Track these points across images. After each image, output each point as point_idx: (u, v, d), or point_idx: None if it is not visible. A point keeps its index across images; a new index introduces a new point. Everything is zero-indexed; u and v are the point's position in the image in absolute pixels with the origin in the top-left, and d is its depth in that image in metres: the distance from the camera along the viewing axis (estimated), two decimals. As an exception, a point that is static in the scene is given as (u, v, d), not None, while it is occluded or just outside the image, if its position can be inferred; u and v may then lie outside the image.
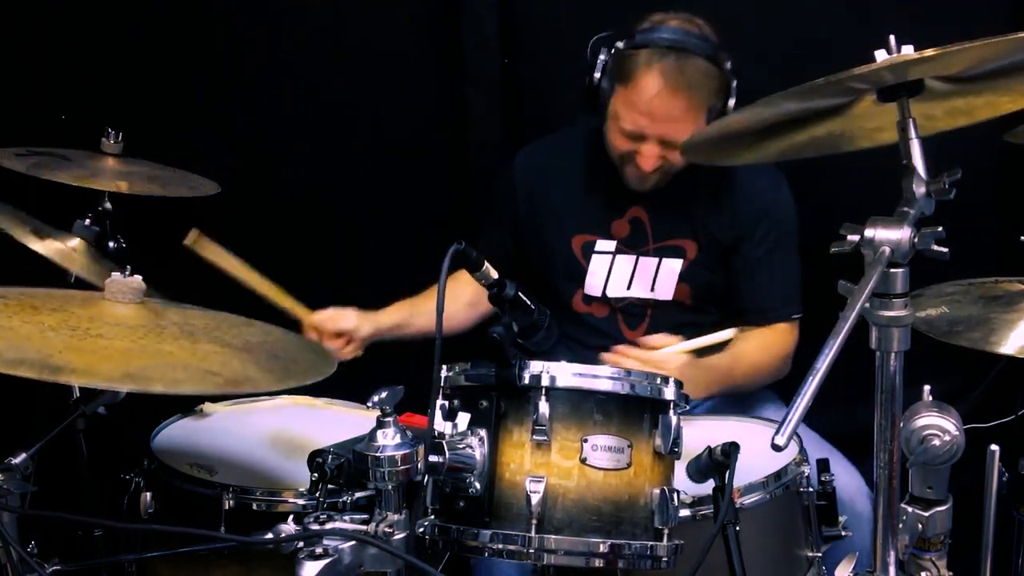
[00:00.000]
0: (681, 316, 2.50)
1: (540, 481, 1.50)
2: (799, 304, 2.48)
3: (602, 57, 2.32)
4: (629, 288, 2.50)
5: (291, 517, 1.47)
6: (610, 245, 2.50)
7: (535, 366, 1.53)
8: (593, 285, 2.51)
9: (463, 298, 2.54)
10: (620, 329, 2.51)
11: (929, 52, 1.39)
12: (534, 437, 1.52)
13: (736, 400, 2.46)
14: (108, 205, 2.36)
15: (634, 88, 2.27)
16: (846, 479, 2.17)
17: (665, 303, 2.49)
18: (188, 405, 2.22)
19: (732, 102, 2.27)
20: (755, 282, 2.48)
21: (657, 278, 2.48)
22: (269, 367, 1.62)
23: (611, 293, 2.50)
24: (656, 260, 2.48)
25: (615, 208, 2.50)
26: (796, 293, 2.49)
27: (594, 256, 2.51)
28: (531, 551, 1.50)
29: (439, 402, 1.56)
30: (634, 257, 2.49)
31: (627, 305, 2.51)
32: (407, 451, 1.47)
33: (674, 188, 2.43)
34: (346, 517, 1.49)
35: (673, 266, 2.47)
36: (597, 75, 2.32)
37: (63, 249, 2.23)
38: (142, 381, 1.45)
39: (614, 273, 2.50)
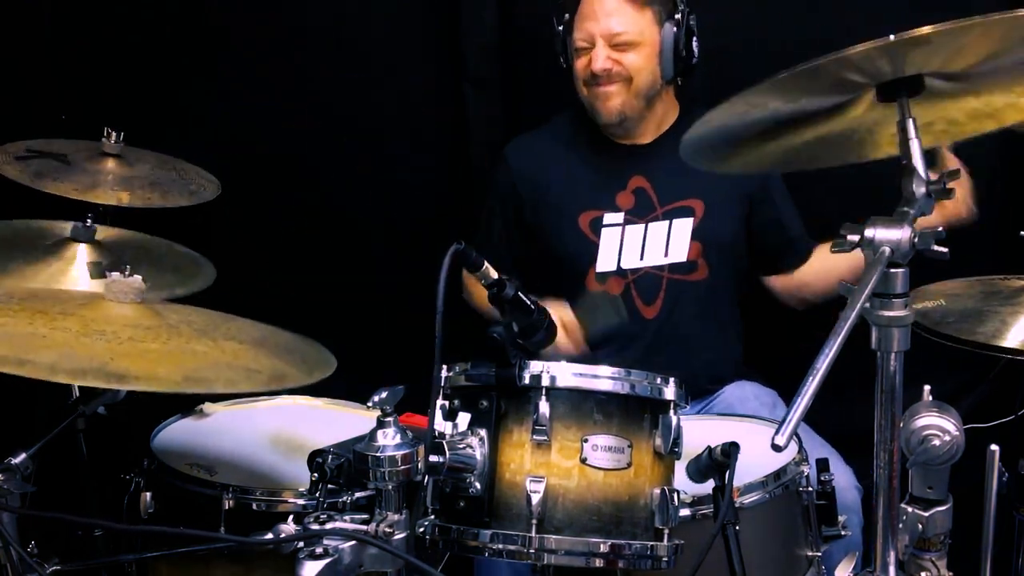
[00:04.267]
0: (696, 289, 2.52)
1: (540, 481, 1.50)
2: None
3: (566, 16, 2.50)
4: (643, 258, 2.52)
5: (291, 517, 1.47)
6: (618, 217, 2.52)
7: (535, 366, 1.54)
8: (606, 260, 2.52)
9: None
10: (636, 305, 2.52)
11: (927, 29, 1.35)
12: (534, 437, 1.52)
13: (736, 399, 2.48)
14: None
15: (580, 6, 2.46)
16: (836, 473, 2.18)
17: (680, 267, 2.51)
18: (188, 405, 2.22)
19: (681, 12, 2.44)
20: (784, 232, 2.59)
21: (670, 240, 2.51)
22: (292, 361, 1.63)
23: (625, 264, 2.52)
24: (666, 223, 2.51)
25: (616, 181, 2.54)
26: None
27: (604, 230, 2.53)
28: (531, 551, 1.50)
29: (439, 402, 1.56)
30: (643, 226, 2.52)
31: (642, 277, 2.52)
32: (407, 451, 1.47)
33: (671, 155, 2.45)
34: (346, 517, 1.49)
35: (684, 226, 2.51)
36: (560, 29, 2.50)
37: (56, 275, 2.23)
38: (203, 383, 1.49)
39: (626, 244, 2.52)
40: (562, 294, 2.52)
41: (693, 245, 2.51)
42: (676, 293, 2.52)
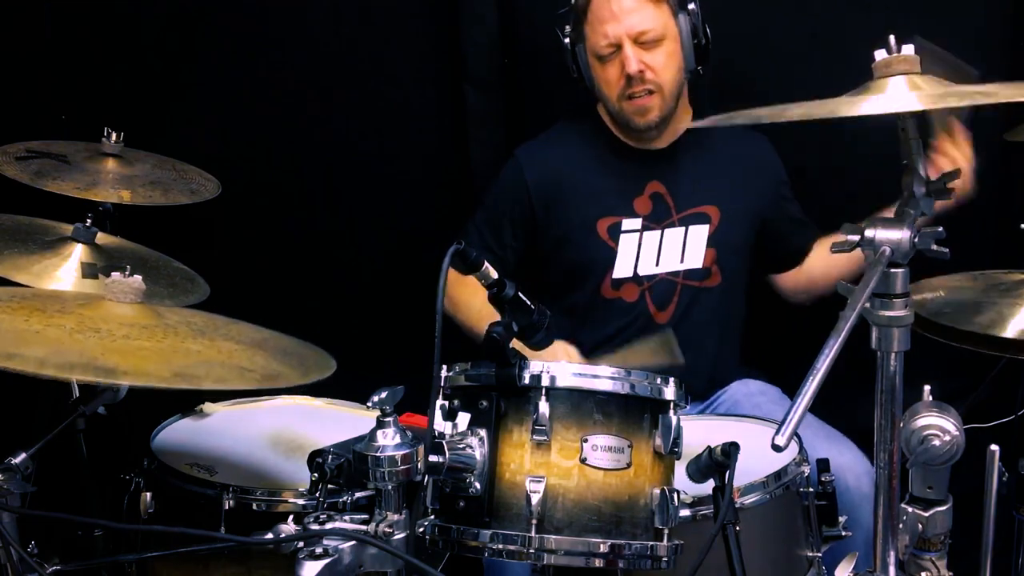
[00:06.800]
0: (709, 295, 2.52)
1: (540, 481, 1.50)
2: None
3: (568, 27, 2.47)
4: (658, 264, 2.51)
5: (291, 517, 1.47)
6: (636, 223, 2.52)
7: (535, 366, 1.53)
8: (624, 266, 2.52)
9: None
10: (649, 311, 2.52)
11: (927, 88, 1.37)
12: (534, 437, 1.52)
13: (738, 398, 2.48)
14: (109, 205, 2.35)
15: (592, 11, 2.41)
16: (850, 458, 2.21)
17: (695, 273, 2.51)
18: (188, 405, 2.22)
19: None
20: (801, 229, 2.62)
21: (686, 246, 2.51)
22: (289, 362, 1.63)
23: (642, 271, 2.51)
24: (683, 229, 2.51)
25: (633, 186, 2.53)
26: None
27: (622, 236, 2.51)
28: (531, 551, 1.50)
29: (439, 402, 1.56)
30: (660, 232, 2.51)
31: (657, 283, 2.52)
32: (407, 451, 1.47)
33: (687, 160, 2.51)
34: (346, 517, 1.49)
35: (700, 232, 2.51)
36: (567, 40, 2.48)
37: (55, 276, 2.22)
38: (192, 380, 1.48)
39: (643, 250, 2.51)
40: (574, 301, 2.53)
41: (708, 252, 2.51)
42: (689, 299, 2.52)
